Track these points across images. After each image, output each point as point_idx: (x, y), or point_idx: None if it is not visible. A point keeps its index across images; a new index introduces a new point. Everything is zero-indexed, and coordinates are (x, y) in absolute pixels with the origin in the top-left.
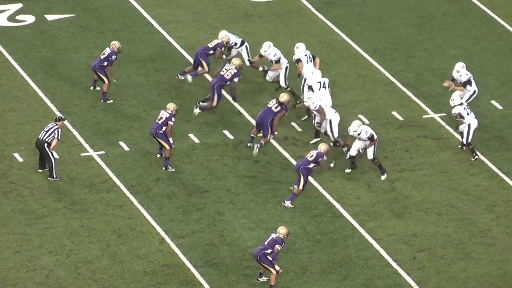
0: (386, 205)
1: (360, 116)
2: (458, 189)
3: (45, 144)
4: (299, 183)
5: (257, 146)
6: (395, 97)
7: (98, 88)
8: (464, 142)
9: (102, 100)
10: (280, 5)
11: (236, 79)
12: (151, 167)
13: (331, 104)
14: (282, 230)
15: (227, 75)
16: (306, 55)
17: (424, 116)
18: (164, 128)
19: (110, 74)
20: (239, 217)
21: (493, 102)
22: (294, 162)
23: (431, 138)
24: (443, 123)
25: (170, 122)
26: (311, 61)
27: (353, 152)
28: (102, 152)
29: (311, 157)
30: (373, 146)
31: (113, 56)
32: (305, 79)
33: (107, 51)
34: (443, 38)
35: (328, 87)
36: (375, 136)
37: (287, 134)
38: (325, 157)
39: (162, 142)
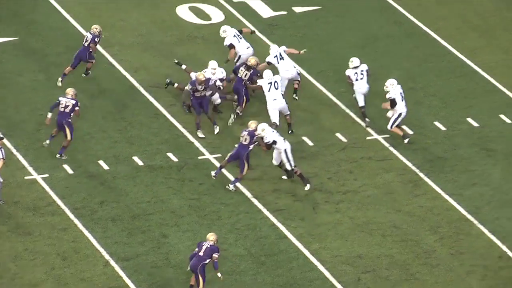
0: (331, 226)
1: (304, 138)
2: (402, 210)
3: None
4: (242, 169)
5: (233, 117)
6: (339, 118)
7: (89, 73)
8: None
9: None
10: None
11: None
12: (96, 190)
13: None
14: (212, 237)
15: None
16: (275, 56)
17: (367, 138)
18: (71, 116)
19: (94, 50)
20: (184, 239)
21: (437, 123)
22: (238, 184)
23: (375, 160)
24: (386, 145)
25: (77, 108)
26: (282, 59)
27: (275, 161)
28: (46, 175)
29: (245, 140)
30: (285, 156)
31: (96, 39)
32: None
33: (89, 36)
34: (387, 59)
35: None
36: (276, 144)
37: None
38: (258, 133)
39: (68, 131)
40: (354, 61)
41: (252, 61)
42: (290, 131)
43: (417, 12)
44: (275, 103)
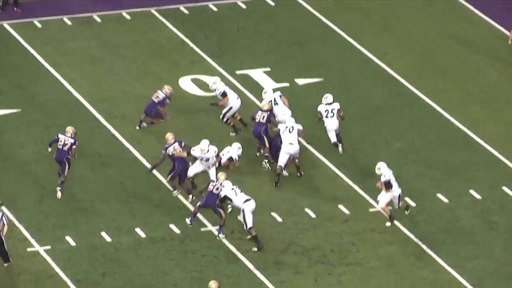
0: None
1: (307, 209)
2: (405, 282)
3: None
4: (220, 216)
5: (265, 162)
6: (341, 190)
7: (145, 125)
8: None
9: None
10: None
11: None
12: (98, 262)
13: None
14: (213, 285)
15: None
16: (270, 101)
17: (370, 210)
18: (69, 153)
19: (163, 113)
20: None
21: (439, 195)
22: (241, 256)
23: (377, 232)
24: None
25: (74, 146)
26: (276, 104)
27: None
28: (49, 247)
29: (217, 189)
30: (242, 215)
31: (166, 100)
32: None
33: (160, 94)
34: (389, 131)
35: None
36: (232, 201)
37: (234, 228)
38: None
39: (66, 167)
40: (328, 97)
41: (267, 106)
42: (299, 174)
43: (419, 84)
44: (291, 147)
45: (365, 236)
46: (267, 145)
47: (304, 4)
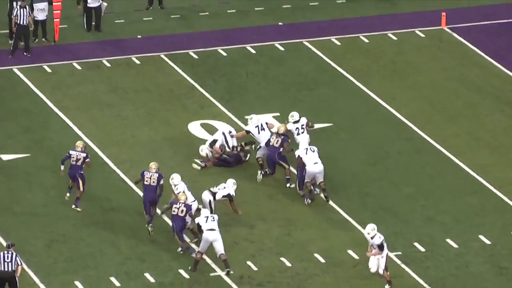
0: None
1: (316, 254)
2: None
3: (13, 274)
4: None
5: (289, 184)
6: (350, 235)
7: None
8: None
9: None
10: None
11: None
12: None
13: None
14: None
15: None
16: (257, 126)
17: None
18: (82, 168)
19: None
20: None
21: (448, 240)
22: None
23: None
24: (398, 262)
25: (87, 160)
26: (263, 130)
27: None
28: None
29: (181, 212)
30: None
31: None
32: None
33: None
34: (398, 176)
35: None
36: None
37: (242, 273)
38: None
39: (80, 183)
40: (295, 115)
41: (282, 129)
42: (326, 199)
43: (428, 129)
44: (316, 166)
45: (375, 282)
46: (287, 166)
47: (313, 48)
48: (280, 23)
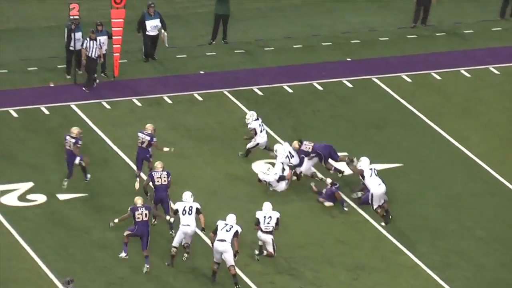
0: None
1: None
2: None
3: None
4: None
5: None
6: (420, 280)
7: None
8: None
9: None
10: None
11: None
12: None
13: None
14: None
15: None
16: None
17: None
18: (149, 151)
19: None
20: None
21: None
22: None
23: None
24: None
25: (153, 141)
26: (292, 157)
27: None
28: None
29: (145, 216)
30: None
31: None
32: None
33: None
34: (471, 219)
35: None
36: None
37: None
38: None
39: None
40: (254, 114)
41: (296, 145)
42: (389, 218)
43: (502, 170)
44: (381, 187)
45: None
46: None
47: (382, 85)
48: (348, 59)
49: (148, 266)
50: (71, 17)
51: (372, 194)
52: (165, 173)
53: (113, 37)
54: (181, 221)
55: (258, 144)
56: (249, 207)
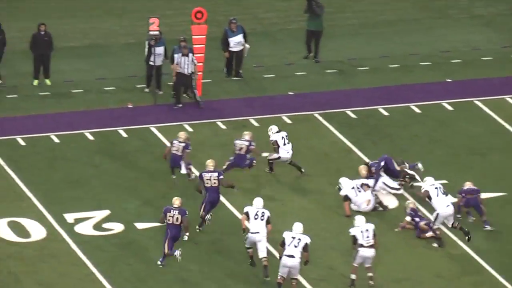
0: None
1: None
2: None
3: None
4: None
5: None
6: None
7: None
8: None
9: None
10: None
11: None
12: None
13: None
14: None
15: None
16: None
17: None
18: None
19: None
20: None
21: None
22: None
23: None
24: None
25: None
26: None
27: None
28: None
29: (177, 220)
30: None
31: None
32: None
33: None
34: None
35: None
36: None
37: None
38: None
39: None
40: (273, 128)
41: (363, 171)
42: (468, 238)
43: None
44: (449, 209)
45: None
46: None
47: (485, 108)
48: (448, 80)
49: (161, 261)
50: (151, 33)
51: (437, 214)
52: (216, 174)
53: (195, 55)
54: (250, 227)
55: (280, 157)
56: (343, 239)
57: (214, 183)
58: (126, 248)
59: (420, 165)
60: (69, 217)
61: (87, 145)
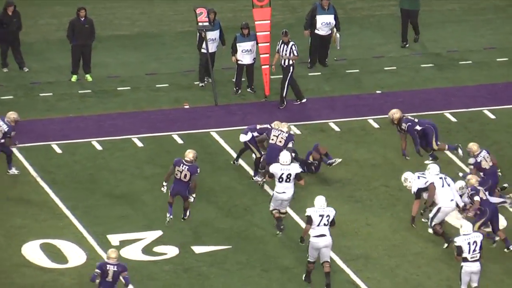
0: None
1: None
2: None
3: None
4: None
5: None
6: None
7: None
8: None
9: None
10: None
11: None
12: None
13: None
14: (113, 254)
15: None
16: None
17: None
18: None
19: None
20: None
21: None
22: None
23: None
24: None
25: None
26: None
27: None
28: None
29: (185, 177)
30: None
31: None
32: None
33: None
34: None
35: None
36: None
37: None
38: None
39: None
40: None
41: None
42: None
43: None
44: (452, 204)
45: None
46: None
47: None
48: None
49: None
50: (200, 24)
51: (438, 209)
52: (286, 134)
53: (259, 44)
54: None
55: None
56: (440, 266)
57: (280, 141)
58: (182, 276)
59: (460, 151)
60: (114, 239)
61: (136, 153)
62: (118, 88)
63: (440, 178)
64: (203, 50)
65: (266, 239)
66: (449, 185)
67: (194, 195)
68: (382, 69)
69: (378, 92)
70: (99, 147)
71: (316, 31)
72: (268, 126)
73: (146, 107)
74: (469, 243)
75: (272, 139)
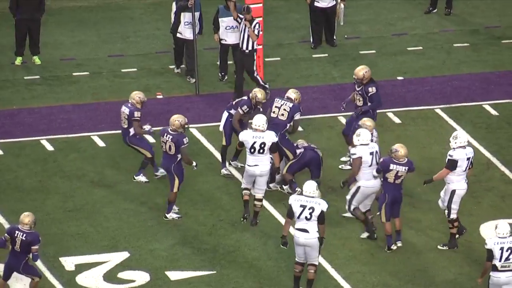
0: None
1: None
2: None
3: None
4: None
5: None
6: None
7: None
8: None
9: None
10: None
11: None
12: None
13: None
14: (26, 219)
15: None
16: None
17: None
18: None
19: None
20: None
21: None
22: None
23: None
24: None
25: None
26: None
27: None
28: None
29: (170, 150)
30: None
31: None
32: None
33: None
34: None
35: None
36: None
37: None
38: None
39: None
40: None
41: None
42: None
43: None
44: (376, 183)
45: None
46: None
47: None
48: None
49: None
50: None
51: (358, 188)
52: (290, 104)
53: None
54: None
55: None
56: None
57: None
58: None
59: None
60: (69, 262)
61: (95, 154)
62: (74, 74)
63: (371, 154)
64: (178, 35)
65: (259, 263)
66: (377, 163)
67: (194, 163)
68: (404, 50)
69: (399, 78)
70: (49, 147)
71: (315, 3)
72: (245, 97)
73: (109, 97)
74: (502, 249)
75: (274, 111)
